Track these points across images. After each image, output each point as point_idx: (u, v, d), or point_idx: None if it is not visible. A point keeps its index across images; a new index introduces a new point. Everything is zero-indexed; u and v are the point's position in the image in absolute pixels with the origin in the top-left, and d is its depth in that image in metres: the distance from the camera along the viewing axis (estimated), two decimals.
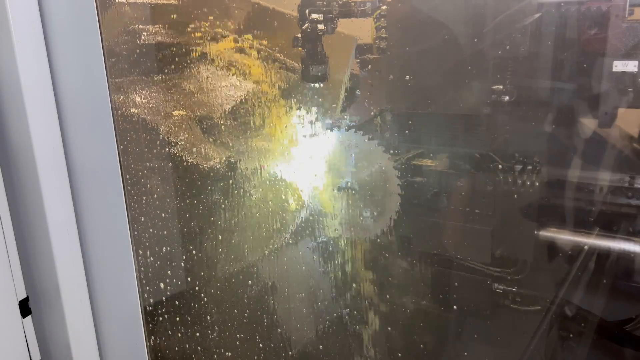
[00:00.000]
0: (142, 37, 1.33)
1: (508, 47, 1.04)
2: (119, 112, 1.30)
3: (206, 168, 1.43)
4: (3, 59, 0.99)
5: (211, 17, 1.37)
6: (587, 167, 1.09)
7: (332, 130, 1.30)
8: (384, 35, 1.20)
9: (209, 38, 1.37)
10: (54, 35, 1.03)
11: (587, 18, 0.97)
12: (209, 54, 1.38)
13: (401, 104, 1.22)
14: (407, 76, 1.17)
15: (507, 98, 1.07)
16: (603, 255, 1.07)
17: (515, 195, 1.12)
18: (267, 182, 1.40)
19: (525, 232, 1.14)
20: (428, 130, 1.21)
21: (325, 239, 1.38)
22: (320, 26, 1.25)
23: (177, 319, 1.50)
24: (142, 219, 1.38)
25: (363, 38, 1.26)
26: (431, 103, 1.17)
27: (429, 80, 1.16)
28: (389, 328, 1.37)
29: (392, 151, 1.24)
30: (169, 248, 1.45)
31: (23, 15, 0.98)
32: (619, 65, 0.95)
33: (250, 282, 1.49)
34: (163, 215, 1.43)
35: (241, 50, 1.37)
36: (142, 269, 1.38)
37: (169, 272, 1.46)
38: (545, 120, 1.07)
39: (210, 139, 1.43)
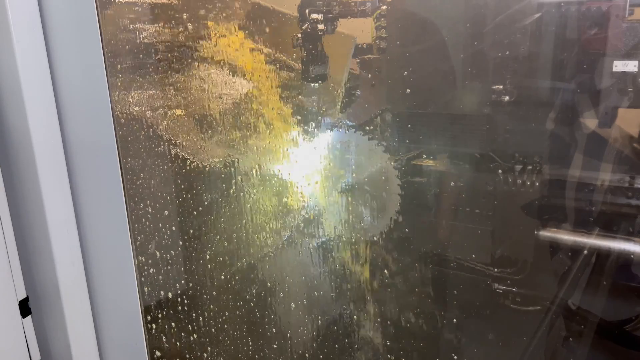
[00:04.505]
0: (142, 37, 1.33)
1: (508, 47, 1.03)
2: (119, 111, 1.29)
3: (205, 167, 1.43)
4: (3, 59, 0.99)
5: (211, 17, 1.36)
6: (587, 167, 1.09)
7: (331, 130, 1.30)
8: (383, 35, 1.20)
9: (208, 38, 1.37)
10: (54, 35, 1.03)
11: (587, 18, 0.97)
12: (208, 54, 1.38)
13: (401, 104, 1.22)
14: (407, 76, 1.17)
15: (507, 98, 1.07)
16: (603, 255, 1.07)
17: (515, 196, 1.12)
18: (266, 183, 1.40)
19: (525, 232, 1.13)
20: (428, 130, 1.21)
21: (325, 239, 1.38)
22: (320, 26, 1.25)
23: (178, 318, 1.50)
24: (142, 219, 1.38)
25: (363, 38, 1.26)
26: (431, 103, 1.16)
27: (429, 80, 1.16)
28: (389, 327, 1.37)
29: (392, 151, 1.24)
30: (169, 248, 1.45)
31: (23, 15, 0.98)
32: (619, 65, 0.95)
33: (250, 282, 1.49)
34: (163, 215, 1.43)
35: (240, 50, 1.37)
36: (142, 269, 1.38)
37: (169, 272, 1.46)
38: (545, 121, 1.07)
39: (209, 139, 1.42)
